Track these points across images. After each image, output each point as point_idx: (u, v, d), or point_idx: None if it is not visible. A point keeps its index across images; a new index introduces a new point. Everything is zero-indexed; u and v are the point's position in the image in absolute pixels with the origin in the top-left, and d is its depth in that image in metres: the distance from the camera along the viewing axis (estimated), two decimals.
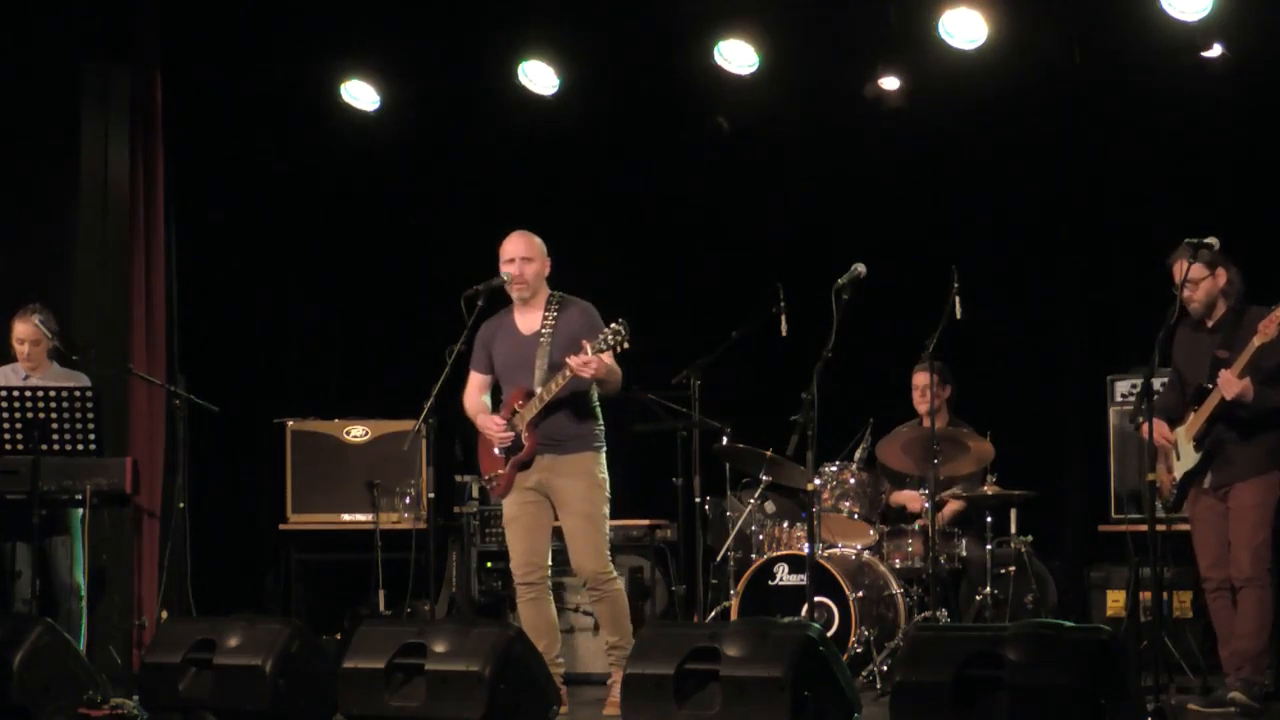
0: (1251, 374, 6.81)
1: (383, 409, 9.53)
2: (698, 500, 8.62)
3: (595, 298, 7.22)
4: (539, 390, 7.00)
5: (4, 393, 7.62)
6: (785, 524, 8.47)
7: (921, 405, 8.44)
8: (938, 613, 7.95)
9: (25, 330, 8.13)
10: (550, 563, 7.19)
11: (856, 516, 8.38)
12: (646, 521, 9.08)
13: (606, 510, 7.14)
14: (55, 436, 7.62)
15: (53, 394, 7.64)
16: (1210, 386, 6.93)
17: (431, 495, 7.74)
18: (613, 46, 9.33)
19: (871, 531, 8.37)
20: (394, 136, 9.87)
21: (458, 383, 7.29)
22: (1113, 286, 9.34)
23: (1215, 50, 8.49)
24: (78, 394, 7.66)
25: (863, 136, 9.46)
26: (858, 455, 8.45)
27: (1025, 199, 9.47)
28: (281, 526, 9.56)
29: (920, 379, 8.43)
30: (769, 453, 8.31)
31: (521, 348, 7.13)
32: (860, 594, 7.95)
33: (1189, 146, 8.95)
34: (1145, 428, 6.82)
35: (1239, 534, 6.93)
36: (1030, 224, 9.47)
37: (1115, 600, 8.51)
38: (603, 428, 7.16)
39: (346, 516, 9.44)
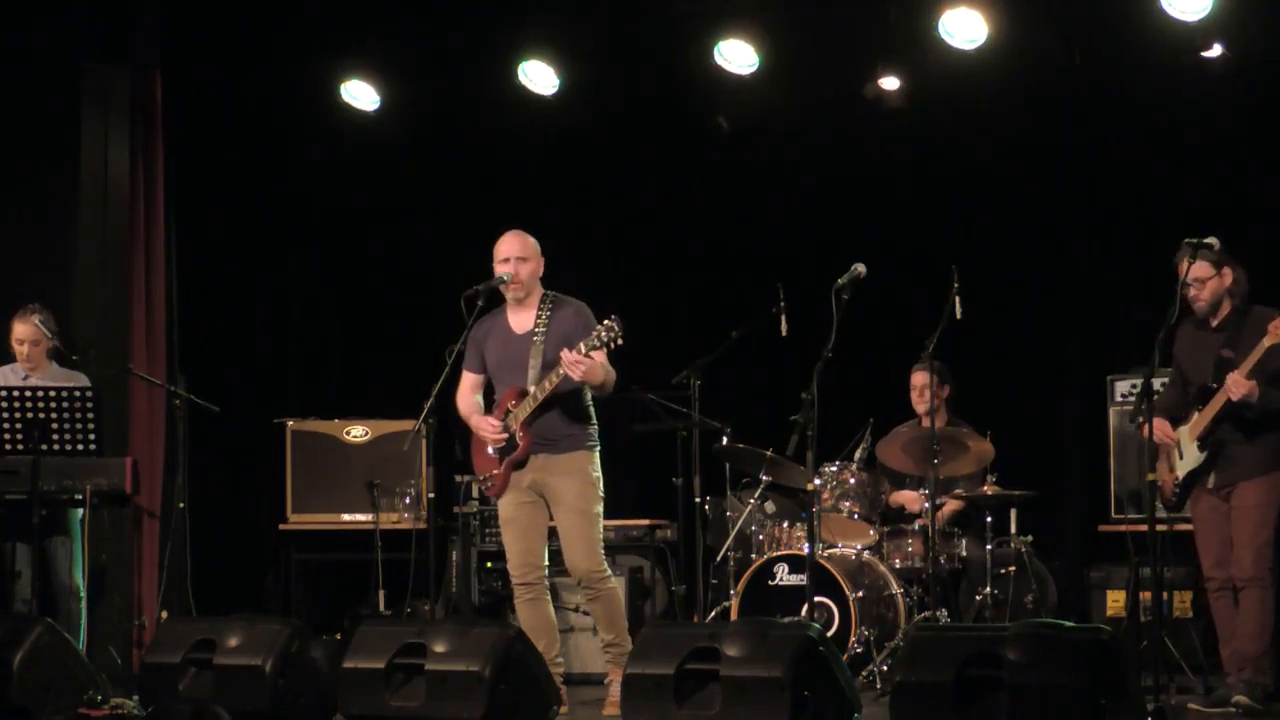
0: (1258, 375, 6.81)
1: (383, 409, 9.52)
2: (698, 500, 8.61)
3: (595, 297, 7.21)
4: (532, 389, 6.99)
5: (4, 393, 7.61)
6: (785, 524, 8.47)
7: (920, 405, 8.44)
8: (938, 613, 7.95)
9: (25, 330, 8.12)
10: (547, 562, 7.19)
11: (856, 516, 8.37)
12: (646, 521, 9.09)
13: (600, 509, 7.13)
14: (55, 436, 7.61)
15: (53, 394, 7.63)
16: (1215, 386, 6.92)
17: (431, 495, 7.73)
18: (613, 46, 9.32)
19: (871, 531, 8.37)
20: (394, 136, 9.84)
21: (458, 383, 7.28)
22: (1113, 287, 9.34)
23: (1215, 50, 8.49)
24: (78, 394, 7.65)
25: (863, 136, 9.45)
26: (858, 455, 8.45)
27: (1025, 199, 9.46)
28: (281, 526, 9.57)
29: (919, 379, 8.43)
30: (769, 453, 8.31)
31: (514, 347, 7.12)
32: (860, 594, 7.95)
33: (1189, 146, 8.95)
34: (1146, 428, 6.82)
35: (1242, 533, 6.93)
36: (1030, 224, 9.47)
37: (1115, 600, 8.50)
38: (596, 427, 7.15)
39: (346, 516, 9.44)
